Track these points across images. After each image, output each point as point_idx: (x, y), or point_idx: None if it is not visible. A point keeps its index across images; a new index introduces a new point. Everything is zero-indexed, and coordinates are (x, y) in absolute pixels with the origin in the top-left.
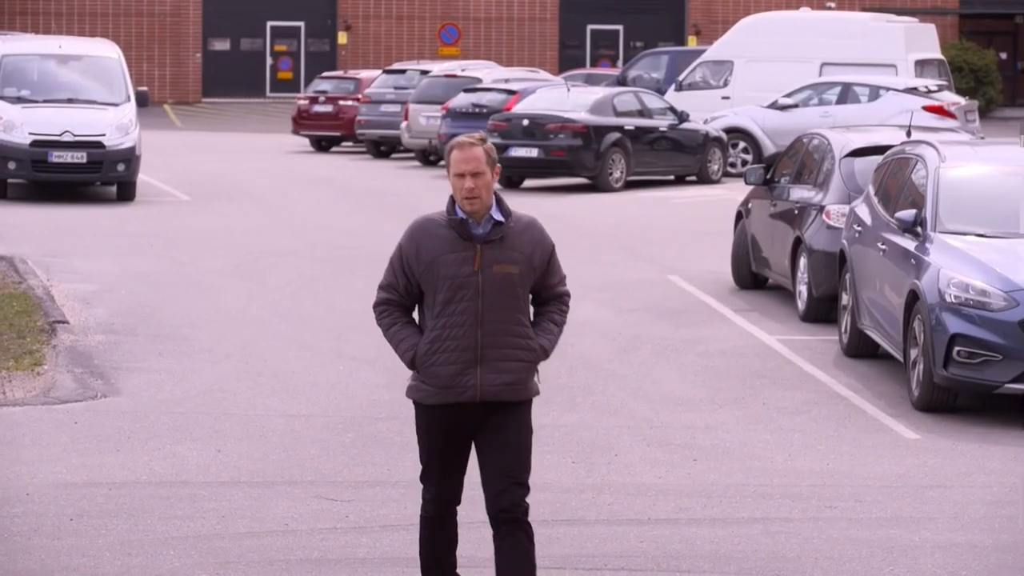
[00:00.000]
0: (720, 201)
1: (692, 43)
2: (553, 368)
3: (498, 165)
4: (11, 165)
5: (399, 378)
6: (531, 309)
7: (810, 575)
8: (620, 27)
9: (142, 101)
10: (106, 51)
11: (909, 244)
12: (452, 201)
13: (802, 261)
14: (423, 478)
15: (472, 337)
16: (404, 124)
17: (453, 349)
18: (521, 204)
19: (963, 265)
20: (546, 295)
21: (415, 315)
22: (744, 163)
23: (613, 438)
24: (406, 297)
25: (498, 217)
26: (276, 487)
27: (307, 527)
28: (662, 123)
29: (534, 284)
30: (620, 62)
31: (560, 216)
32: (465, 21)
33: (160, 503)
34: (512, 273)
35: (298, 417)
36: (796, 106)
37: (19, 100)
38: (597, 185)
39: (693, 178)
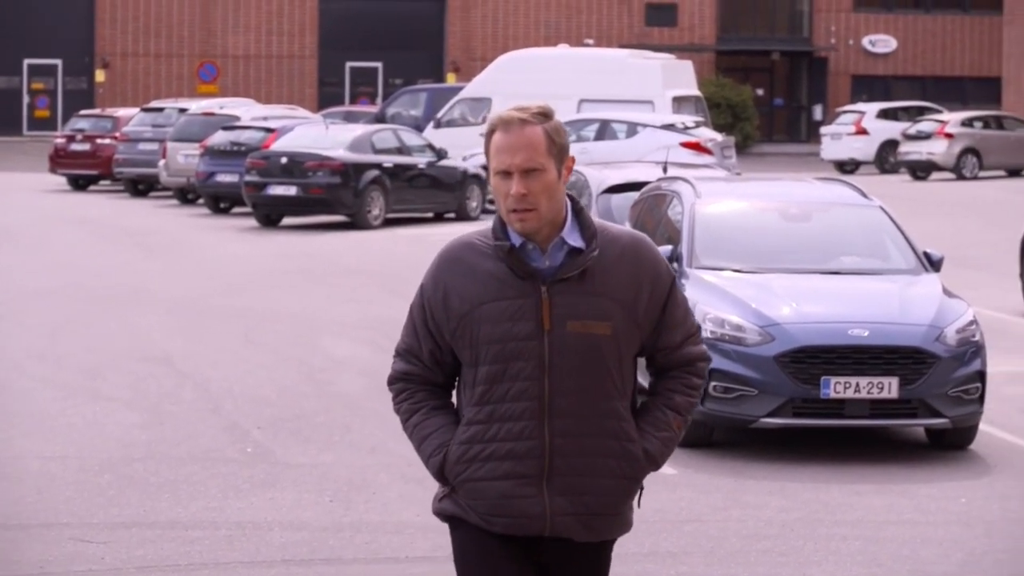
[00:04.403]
0: None
1: (451, 80)
2: (310, 406)
3: (572, 156)
4: None
5: (156, 418)
6: (635, 384)
7: None
8: (379, 64)
9: None
10: None
11: None
12: (499, 218)
13: None
14: None
15: (536, 437)
16: (162, 162)
17: (504, 455)
18: (280, 243)
19: (719, 300)
20: (663, 360)
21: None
22: None
23: (371, 476)
24: (435, 369)
25: (575, 242)
26: (30, 530)
27: (62, 570)
28: (421, 160)
29: (643, 344)
30: (379, 99)
31: (318, 254)
32: (224, 59)
33: None
34: (601, 335)
35: (53, 459)
36: None
37: None
38: (356, 223)
39: (452, 215)
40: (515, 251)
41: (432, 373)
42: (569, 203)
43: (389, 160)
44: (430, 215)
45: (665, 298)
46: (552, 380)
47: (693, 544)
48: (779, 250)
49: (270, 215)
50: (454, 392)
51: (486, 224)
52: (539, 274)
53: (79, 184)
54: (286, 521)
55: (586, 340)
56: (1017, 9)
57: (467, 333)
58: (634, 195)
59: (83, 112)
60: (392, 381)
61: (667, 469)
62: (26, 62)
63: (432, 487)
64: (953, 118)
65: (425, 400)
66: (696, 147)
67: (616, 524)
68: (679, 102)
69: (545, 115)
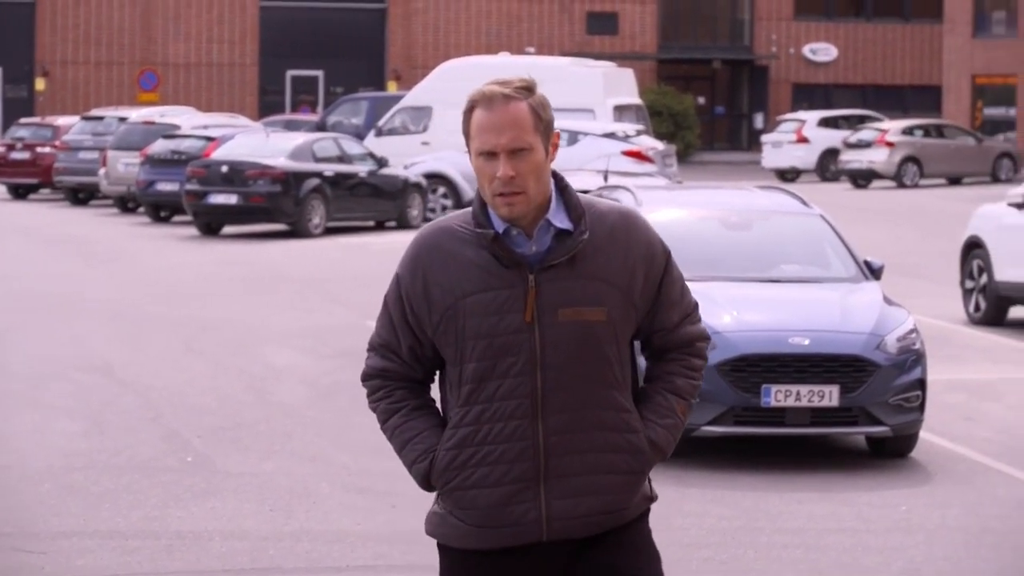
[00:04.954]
0: None
1: (392, 88)
2: (251, 415)
3: (557, 131)
4: None
5: (96, 426)
6: (637, 369)
7: None
8: (320, 72)
9: None
10: None
11: None
12: (481, 201)
13: None
14: None
15: (529, 437)
16: (102, 171)
17: (496, 458)
18: (220, 252)
19: None
20: (661, 342)
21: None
22: (444, 208)
23: (312, 485)
24: (414, 365)
25: (561, 223)
26: None
27: None
28: (361, 169)
29: (638, 326)
30: (320, 107)
31: (259, 263)
32: (164, 67)
33: None
34: (595, 321)
35: None
36: None
37: None
38: (297, 231)
39: (393, 224)
40: (499, 238)
41: (411, 369)
42: (553, 181)
43: (330, 169)
44: (371, 224)
45: (661, 276)
46: (545, 374)
47: None
48: (720, 258)
49: (211, 224)
50: (434, 387)
51: None
52: (525, 261)
53: (19, 193)
54: (226, 530)
55: (580, 328)
56: (957, 18)
57: (451, 328)
58: None
59: (23, 120)
60: (367, 377)
61: None
62: None
63: (375, 495)
64: (894, 126)
65: (405, 399)
66: (637, 155)
67: (628, 514)
68: (620, 110)
69: (529, 89)
